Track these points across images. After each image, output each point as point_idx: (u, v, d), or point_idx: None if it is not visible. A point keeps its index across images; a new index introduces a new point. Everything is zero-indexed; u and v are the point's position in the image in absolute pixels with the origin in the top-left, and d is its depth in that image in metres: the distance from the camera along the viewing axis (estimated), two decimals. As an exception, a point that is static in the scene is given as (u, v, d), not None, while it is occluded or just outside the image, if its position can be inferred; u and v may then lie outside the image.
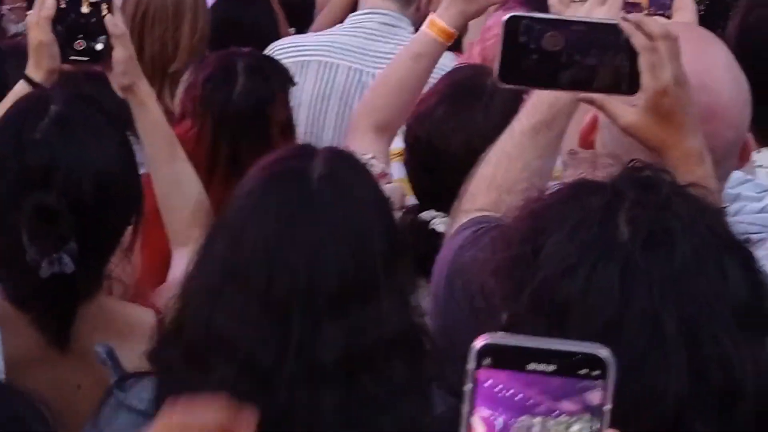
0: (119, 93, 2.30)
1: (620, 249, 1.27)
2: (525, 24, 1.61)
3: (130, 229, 2.19)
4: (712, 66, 1.85)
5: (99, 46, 2.22)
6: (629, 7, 2.00)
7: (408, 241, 1.92)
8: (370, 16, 3.45)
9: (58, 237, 2.07)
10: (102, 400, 1.81)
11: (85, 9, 2.21)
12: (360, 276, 1.71)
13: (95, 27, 2.21)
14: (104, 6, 2.24)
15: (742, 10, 3.10)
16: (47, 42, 2.23)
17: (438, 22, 2.49)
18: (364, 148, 2.63)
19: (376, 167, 2.49)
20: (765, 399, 1.26)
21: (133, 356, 1.85)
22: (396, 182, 2.70)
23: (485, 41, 2.86)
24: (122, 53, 2.24)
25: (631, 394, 1.17)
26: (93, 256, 2.15)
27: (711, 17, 3.27)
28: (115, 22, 2.24)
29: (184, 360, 1.73)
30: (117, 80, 2.27)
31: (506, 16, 1.63)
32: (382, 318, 1.70)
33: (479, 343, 1.01)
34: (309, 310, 1.68)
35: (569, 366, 1.02)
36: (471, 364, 1.03)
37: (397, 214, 2.15)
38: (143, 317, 2.18)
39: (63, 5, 2.22)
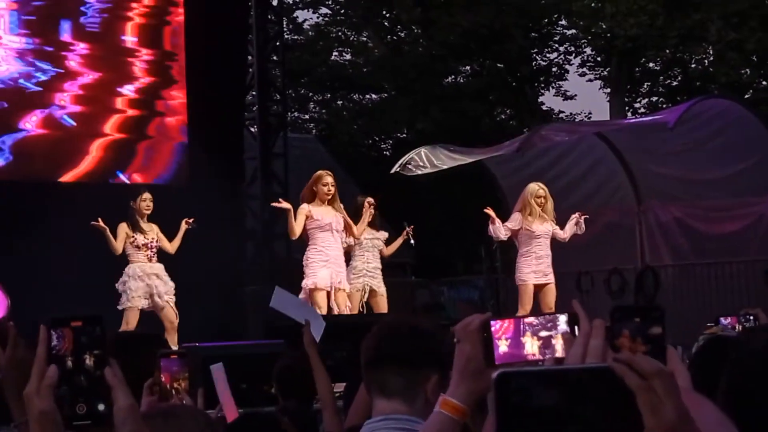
0: None
1: None
2: (515, 382, 1.53)
3: None
4: (705, 422, 1.81)
5: (101, 407, 2.12)
6: None
7: None
8: (384, 422, 3.31)
9: None
10: None
11: (87, 365, 2.13)
12: None
13: (96, 386, 2.14)
14: (102, 359, 2.14)
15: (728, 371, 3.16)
16: (49, 410, 2.12)
17: (450, 400, 2.59)
18: None
19: None
20: None
21: None
22: None
23: None
24: (123, 402, 2.13)
25: None
26: None
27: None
28: (113, 373, 2.13)
29: None
30: (117, 430, 2.16)
31: (495, 374, 1.54)
32: None
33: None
34: None
35: None
36: None
37: None
38: None
39: (67, 366, 2.13)
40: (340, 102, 35.90)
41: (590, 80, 33.80)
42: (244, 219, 16.71)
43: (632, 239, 16.29)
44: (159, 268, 12.10)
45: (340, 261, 11.97)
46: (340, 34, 35.69)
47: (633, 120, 23.75)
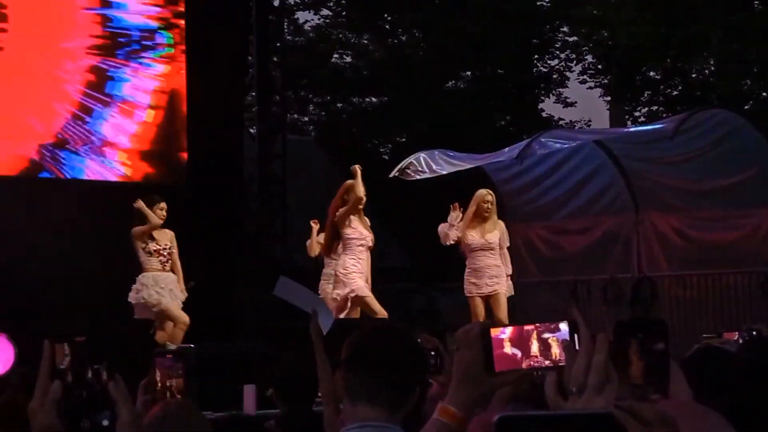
0: None
1: None
2: (518, 425, 1.53)
3: None
4: None
5: (105, 422, 2.17)
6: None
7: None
8: (362, 429, 3.26)
9: None
10: None
11: (88, 379, 2.17)
12: None
13: (98, 401, 2.17)
14: (104, 373, 2.19)
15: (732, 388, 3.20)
16: (53, 425, 2.17)
17: (449, 408, 2.61)
18: None
19: None
20: None
21: None
22: None
23: None
24: (126, 416, 2.19)
25: None
26: None
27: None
28: (117, 387, 2.19)
29: None
30: None
31: (496, 418, 1.55)
32: None
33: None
34: None
35: None
36: None
37: None
38: None
39: (68, 381, 2.16)
40: (339, 104, 35.90)
41: (590, 88, 33.82)
42: (241, 220, 16.70)
43: (630, 248, 16.27)
44: (173, 280, 11.74)
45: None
46: (340, 36, 35.69)
47: (633, 129, 23.75)
